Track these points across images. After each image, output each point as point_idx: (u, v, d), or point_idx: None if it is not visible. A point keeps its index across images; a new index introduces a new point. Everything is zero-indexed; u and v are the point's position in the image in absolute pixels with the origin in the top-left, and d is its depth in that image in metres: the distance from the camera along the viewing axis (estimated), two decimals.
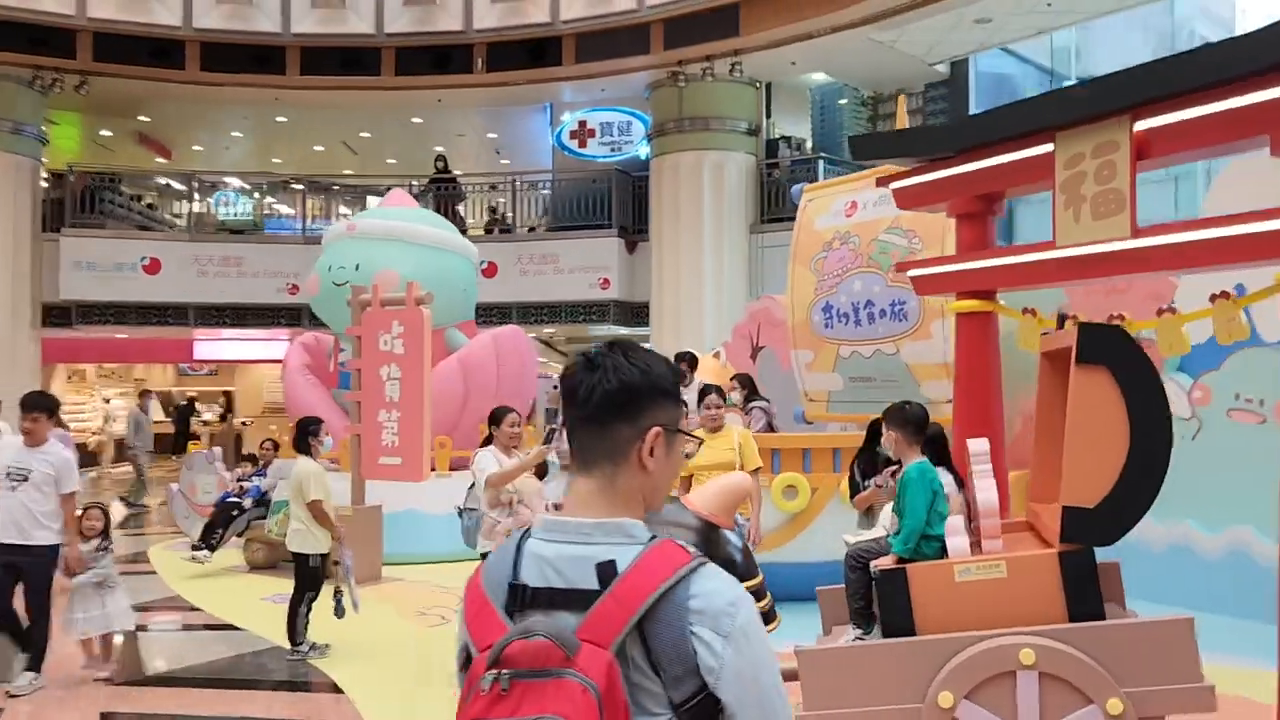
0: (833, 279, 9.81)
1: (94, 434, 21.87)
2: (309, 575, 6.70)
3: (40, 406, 5.86)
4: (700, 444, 6.88)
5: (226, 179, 20.68)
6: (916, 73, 15.68)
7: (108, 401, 23.33)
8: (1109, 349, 3.38)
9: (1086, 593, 3.32)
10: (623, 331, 18.00)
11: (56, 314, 17.03)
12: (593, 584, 1.34)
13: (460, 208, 18.02)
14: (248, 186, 20.42)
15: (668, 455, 1.48)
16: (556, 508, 4.45)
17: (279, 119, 19.77)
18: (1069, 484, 3.38)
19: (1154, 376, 3.35)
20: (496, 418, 5.51)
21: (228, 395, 27.06)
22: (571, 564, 1.38)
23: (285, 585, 8.81)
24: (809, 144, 17.24)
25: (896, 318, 9.13)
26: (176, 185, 20.65)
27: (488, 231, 18.22)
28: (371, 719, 5.36)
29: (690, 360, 8.44)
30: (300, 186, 20.08)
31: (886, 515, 4.15)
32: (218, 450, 11.23)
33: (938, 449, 5.17)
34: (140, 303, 17.33)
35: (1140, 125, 4.16)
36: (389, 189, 19.95)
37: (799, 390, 10.22)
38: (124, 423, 18.32)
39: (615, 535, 1.40)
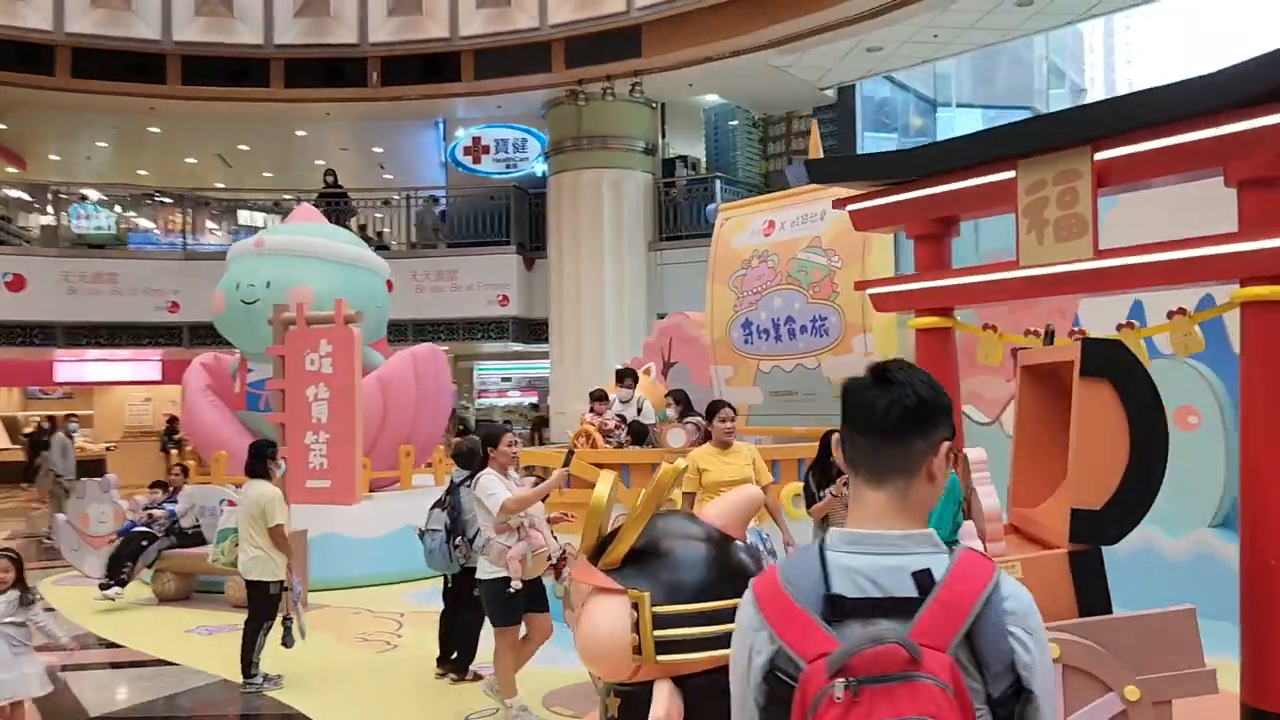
0: (752, 296, 10.09)
1: None
2: (267, 603, 6.46)
3: None
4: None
5: (85, 190, 19.57)
6: (807, 96, 16.27)
7: None
8: (1111, 362, 3.66)
9: (1095, 588, 3.59)
10: (518, 348, 17.96)
11: None
12: (911, 592, 1.43)
13: (351, 223, 17.63)
14: (106, 199, 19.37)
15: (945, 468, 1.58)
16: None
17: (151, 129, 18.91)
18: (1076, 488, 3.64)
19: (1152, 388, 3.64)
20: (494, 438, 5.46)
21: (84, 419, 25.53)
22: (886, 574, 1.45)
23: (206, 617, 8.49)
24: (703, 163, 17.64)
25: (818, 333, 9.46)
26: (26, 197, 19.46)
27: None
28: None
29: (633, 377, 8.54)
30: (169, 199, 19.21)
31: None
32: (112, 477, 10.64)
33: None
34: (2, 322, 16.27)
35: (1100, 155, 4.49)
36: (278, 203, 19.43)
37: None
38: None
39: (924, 545, 1.49)
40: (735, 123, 17.45)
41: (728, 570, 3.84)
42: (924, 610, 1.41)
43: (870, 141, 17.09)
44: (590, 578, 3.95)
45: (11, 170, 21.17)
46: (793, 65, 14.53)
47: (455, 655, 6.26)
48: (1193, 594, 4.07)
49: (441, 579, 6.57)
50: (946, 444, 1.56)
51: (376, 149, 21.21)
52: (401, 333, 16.03)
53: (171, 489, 9.65)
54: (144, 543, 9.09)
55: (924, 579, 1.43)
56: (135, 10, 15.06)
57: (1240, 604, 4.06)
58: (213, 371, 11.28)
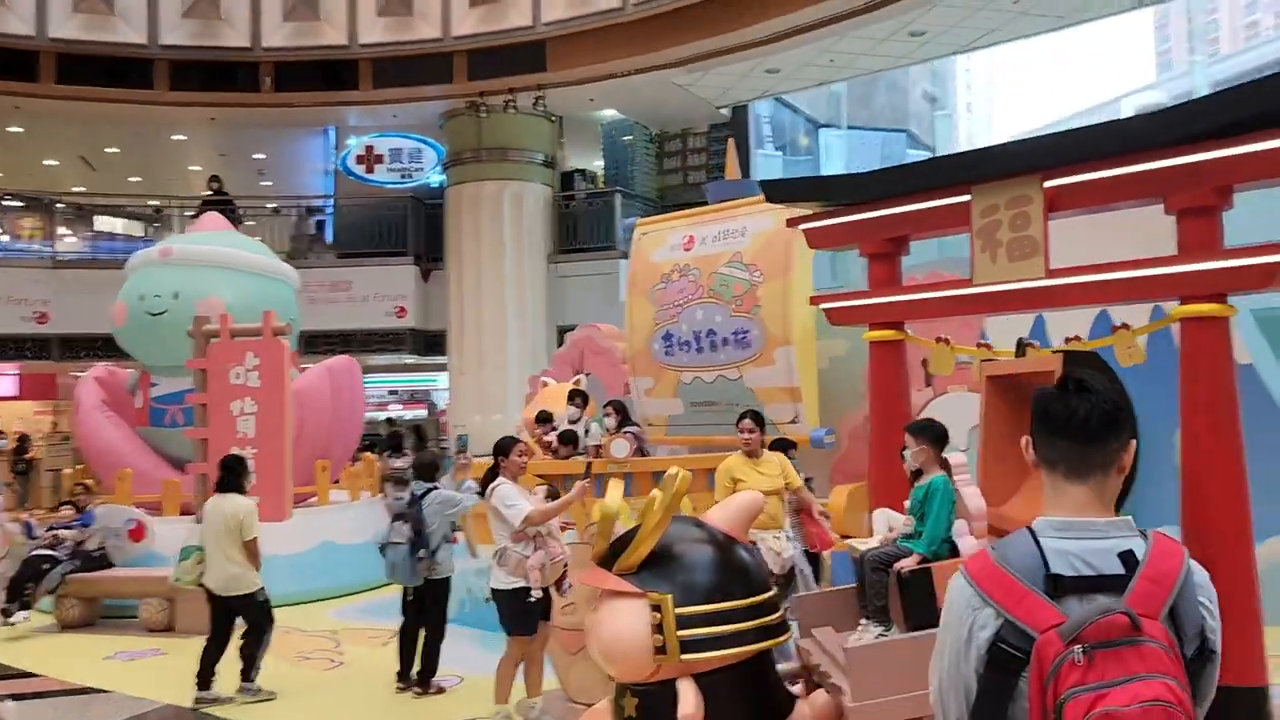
0: (673, 309, 10.33)
1: None
2: (263, 610, 6.46)
3: None
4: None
5: None
6: (702, 114, 16.70)
7: None
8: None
9: None
10: (410, 360, 17.73)
11: None
12: (1118, 569, 1.65)
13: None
14: None
15: (1129, 463, 1.81)
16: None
17: (11, 129, 17.82)
18: None
19: (1125, 398, 4.03)
20: (504, 448, 5.46)
21: None
22: (1097, 555, 1.67)
23: (122, 643, 8.10)
24: (601, 178, 17.85)
25: (740, 345, 9.77)
26: None
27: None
28: None
29: (583, 397, 8.62)
30: (19, 204, 18.13)
31: (881, 521, 4.59)
32: None
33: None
34: None
35: (1050, 183, 4.90)
36: (160, 210, 18.58)
37: (637, 415, 10.59)
38: None
39: (1125, 530, 1.71)
40: (630, 138, 17.74)
41: (737, 570, 4.02)
42: (1135, 585, 1.63)
43: (760, 159, 17.68)
44: (606, 582, 4.06)
45: None
46: (694, 84, 14.92)
47: (418, 669, 6.22)
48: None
49: (369, 592, 6.53)
50: (1134, 442, 1.79)
51: (258, 155, 20.57)
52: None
53: (80, 508, 9.17)
54: (45, 565, 8.62)
55: (1128, 559, 1.66)
56: (8, 5, 14.23)
57: None
58: (108, 386, 10.76)
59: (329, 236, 18.70)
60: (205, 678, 6.30)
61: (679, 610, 4.01)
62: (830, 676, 4.21)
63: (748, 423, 5.92)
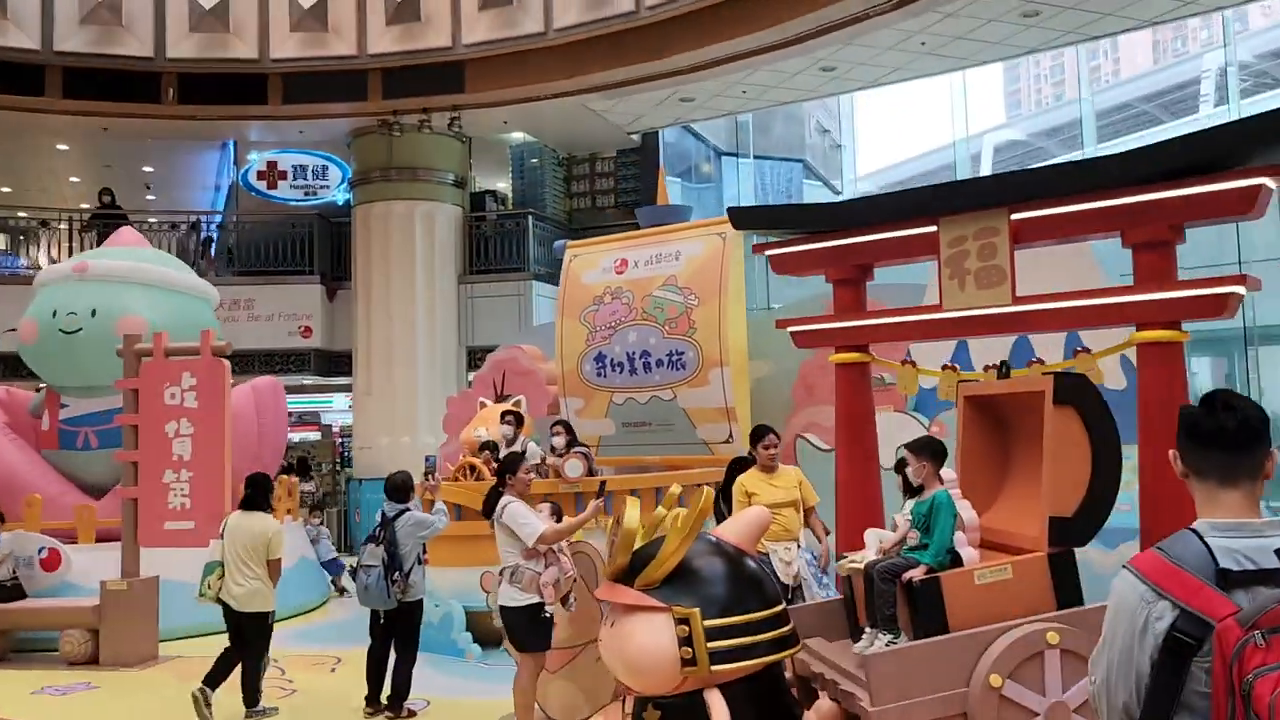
0: (606, 330, 10.48)
1: None
2: (265, 633, 6.44)
3: None
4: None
5: None
6: (612, 139, 16.92)
7: None
8: (1077, 393, 4.36)
9: (1070, 584, 4.25)
10: (310, 381, 17.28)
11: None
12: (1275, 564, 1.88)
13: None
14: None
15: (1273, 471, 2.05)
16: None
17: None
18: (1051, 499, 4.29)
19: (1108, 414, 4.37)
20: (512, 465, 5.45)
21: None
22: (1257, 552, 1.90)
23: (47, 677, 7.67)
24: (510, 199, 17.86)
25: (674, 367, 9.98)
26: None
27: None
28: None
29: (516, 417, 8.61)
30: None
31: (872, 539, 4.80)
32: None
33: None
34: None
35: (1016, 216, 5.27)
36: (46, 223, 17.57)
37: None
38: None
39: (1277, 529, 1.94)
40: (536, 160, 17.82)
41: (750, 583, 4.23)
42: None
43: (667, 185, 17.99)
44: (627, 597, 4.18)
45: None
46: (609, 110, 15.13)
47: (388, 693, 6.13)
48: None
49: (298, 618, 6.46)
50: (1277, 451, 2.04)
51: (146, 168, 19.78)
52: None
53: None
54: None
55: None
56: None
57: None
58: (8, 408, 10.17)
59: (216, 253, 18.08)
60: (214, 682, 6.44)
61: (709, 623, 4.17)
62: (839, 684, 4.42)
63: (772, 438, 6.11)
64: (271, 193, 17.04)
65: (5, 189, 20.48)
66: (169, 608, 8.37)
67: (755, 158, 20.33)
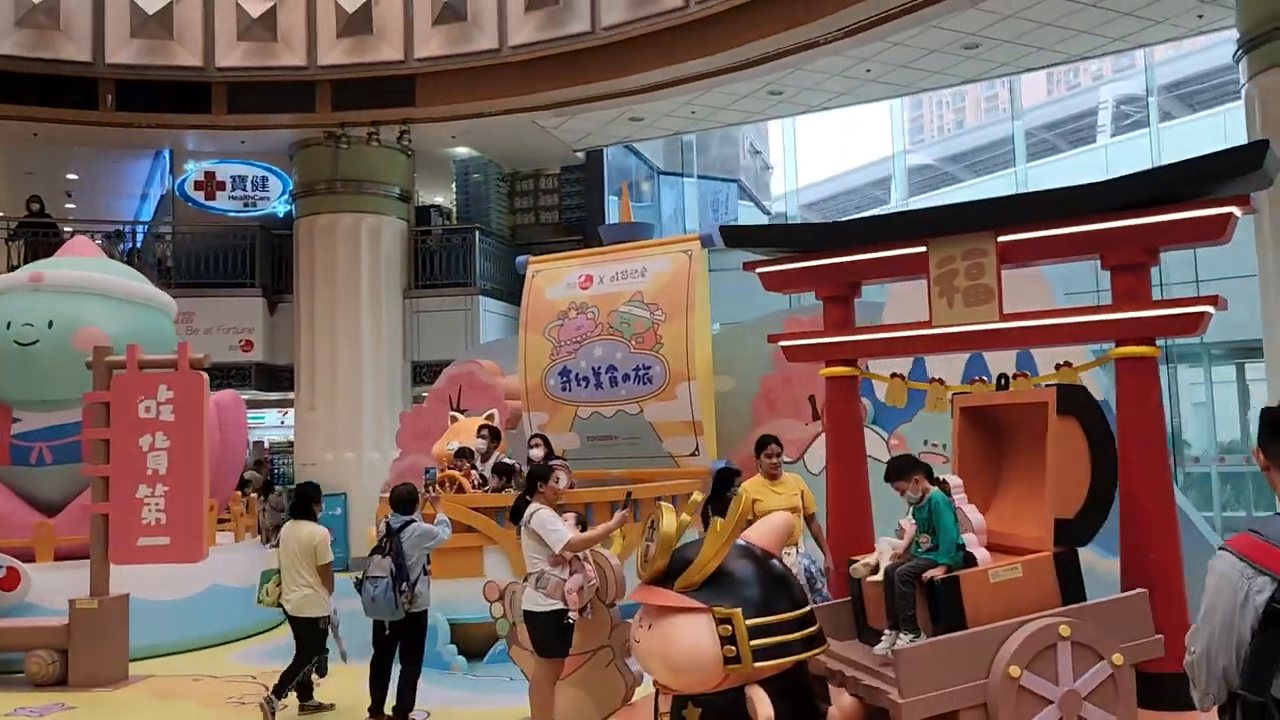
0: (571, 345, 10.64)
1: None
2: (318, 637, 6.63)
3: None
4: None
5: None
6: (557, 155, 17.10)
7: None
8: (1077, 404, 4.71)
9: (1074, 581, 4.57)
10: (251, 395, 16.96)
11: None
12: None
13: None
14: None
15: None
16: None
17: None
18: (1055, 502, 4.62)
19: (1106, 423, 4.72)
20: (544, 475, 5.55)
21: None
22: None
23: (17, 699, 7.41)
24: (454, 214, 17.86)
25: (641, 381, 10.19)
26: None
27: None
28: None
29: (491, 431, 8.69)
30: None
31: (885, 545, 5.04)
32: None
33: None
34: None
35: (1003, 238, 5.62)
36: None
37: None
38: None
39: None
40: (480, 175, 17.88)
41: (781, 584, 4.48)
42: None
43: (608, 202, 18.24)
44: (669, 599, 4.38)
45: None
46: (558, 127, 15.30)
47: (395, 703, 6.16)
48: None
49: (261, 636, 6.52)
50: None
51: (70, 175, 19.20)
52: None
53: None
54: None
55: None
56: None
57: None
58: None
59: (149, 264, 17.61)
60: (305, 691, 6.84)
61: (751, 621, 4.39)
62: (861, 680, 4.66)
63: (775, 447, 6.31)
64: (210, 203, 16.75)
65: None
66: (133, 626, 8.20)
67: (698, 177, 20.73)
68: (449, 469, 8.45)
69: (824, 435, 10.20)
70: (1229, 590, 2.26)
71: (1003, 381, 5.38)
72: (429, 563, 6.21)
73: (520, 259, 11.41)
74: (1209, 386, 15.79)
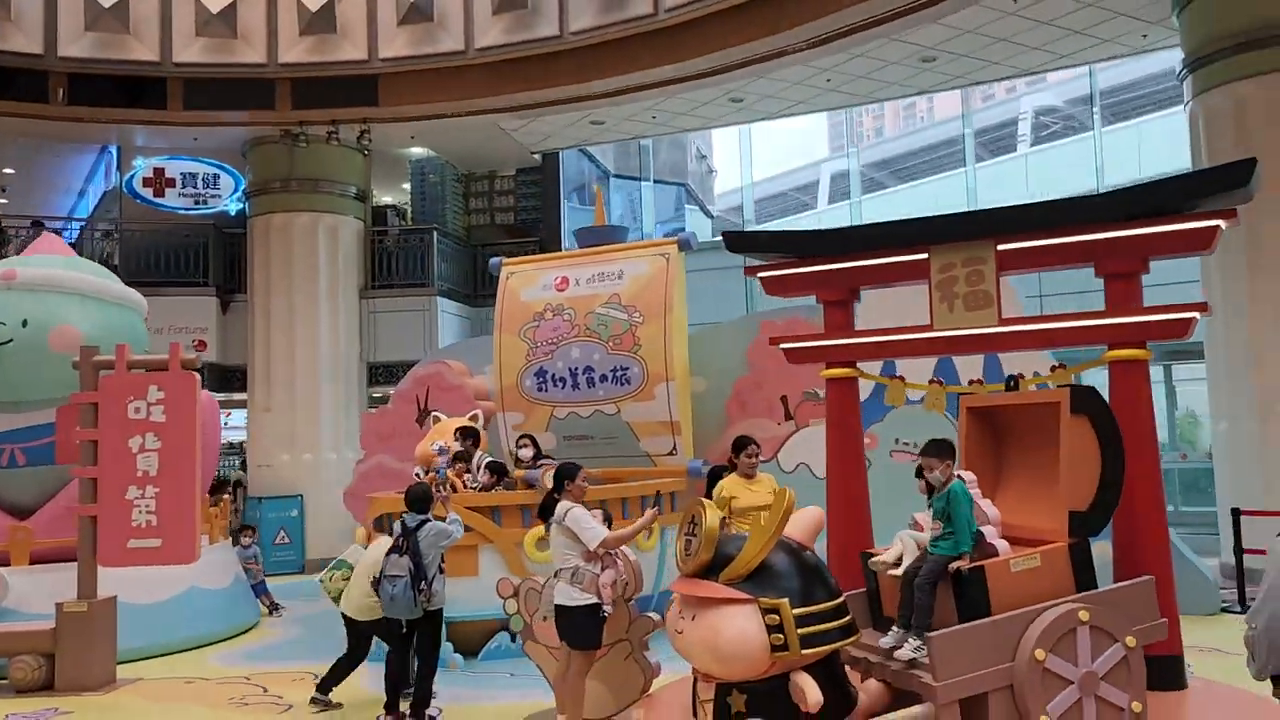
0: (547, 347, 10.73)
1: None
2: (367, 643, 6.92)
3: None
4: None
5: None
6: (513, 157, 17.15)
7: None
8: (1088, 404, 5.02)
9: (1087, 570, 4.88)
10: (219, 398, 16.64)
11: None
12: None
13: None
14: None
15: None
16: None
17: None
18: (1069, 496, 4.92)
19: (1115, 422, 5.04)
20: (571, 474, 5.64)
21: None
22: None
23: (8, 705, 7.22)
24: (409, 214, 17.78)
25: (619, 382, 10.34)
26: None
27: None
28: None
29: (473, 436, 8.73)
30: None
31: (909, 538, 5.27)
32: None
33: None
34: None
35: (1002, 247, 5.93)
36: None
37: (505, 450, 10.80)
38: None
39: None
40: (436, 176, 17.83)
41: (818, 575, 4.71)
42: None
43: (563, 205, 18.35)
44: (715, 591, 4.58)
45: None
46: (519, 129, 15.37)
47: (412, 700, 6.21)
48: None
49: (240, 637, 6.54)
50: None
51: (6, 170, 18.61)
52: None
53: None
54: None
55: None
56: None
57: None
58: None
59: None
60: (328, 685, 6.87)
61: (797, 610, 4.61)
62: (890, 666, 4.90)
63: (754, 448, 6.49)
64: (159, 200, 16.40)
65: None
66: (120, 629, 8.09)
67: (654, 181, 20.95)
68: (434, 471, 8.47)
69: (796, 435, 10.61)
70: None
71: (1011, 383, 5.67)
72: (444, 561, 6.29)
73: (494, 260, 11.46)
74: None
